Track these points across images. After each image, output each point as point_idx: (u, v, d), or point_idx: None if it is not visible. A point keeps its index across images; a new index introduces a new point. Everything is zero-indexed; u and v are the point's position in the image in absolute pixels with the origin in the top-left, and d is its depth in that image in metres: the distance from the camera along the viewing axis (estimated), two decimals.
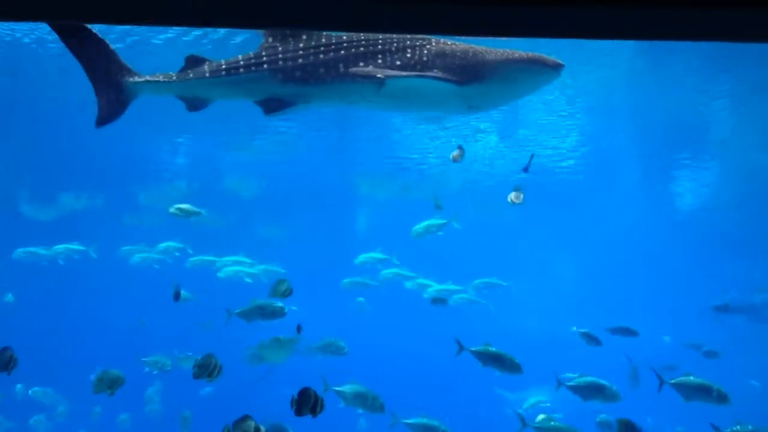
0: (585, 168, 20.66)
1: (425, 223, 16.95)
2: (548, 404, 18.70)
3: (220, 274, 19.67)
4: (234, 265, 19.65)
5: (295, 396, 7.66)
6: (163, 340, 23.89)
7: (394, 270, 19.54)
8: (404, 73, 7.09)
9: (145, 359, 15.56)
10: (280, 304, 11.35)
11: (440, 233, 16.94)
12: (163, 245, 20.03)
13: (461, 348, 11.41)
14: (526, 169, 10.52)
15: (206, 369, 8.85)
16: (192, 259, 20.04)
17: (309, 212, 24.87)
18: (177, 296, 13.20)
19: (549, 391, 20.80)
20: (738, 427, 10.63)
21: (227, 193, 22.94)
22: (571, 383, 11.41)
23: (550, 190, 22.32)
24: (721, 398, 10.44)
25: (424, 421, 12.38)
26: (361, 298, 20.73)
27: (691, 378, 10.72)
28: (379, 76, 7.02)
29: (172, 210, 15.64)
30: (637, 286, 29.39)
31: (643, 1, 2.35)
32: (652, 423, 17.99)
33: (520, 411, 17.67)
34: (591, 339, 15.11)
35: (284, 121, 17.73)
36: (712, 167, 19.93)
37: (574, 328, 15.58)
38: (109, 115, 7.58)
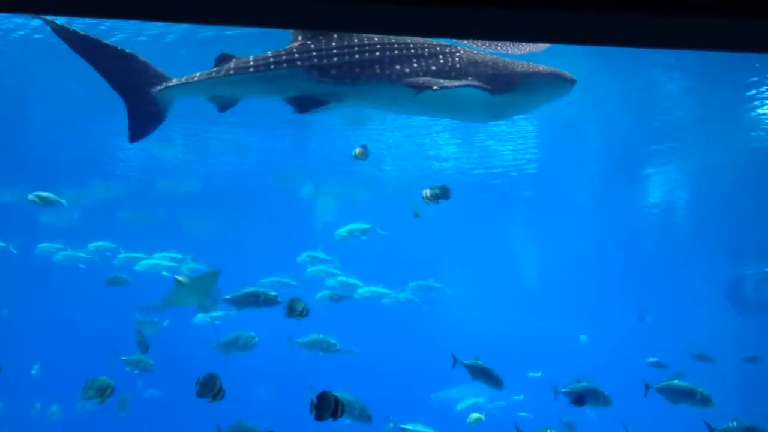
0: (539, 174, 21.05)
1: (349, 226, 17.26)
2: (522, 402, 19.04)
3: (137, 268, 19.28)
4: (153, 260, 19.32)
5: (315, 401, 7.41)
6: (92, 337, 23.38)
7: (320, 267, 19.36)
8: (455, 83, 7.17)
9: (125, 358, 14.80)
10: (273, 292, 11.12)
11: (364, 237, 17.21)
12: (93, 245, 19.51)
13: (455, 361, 11.62)
14: (437, 200, 10.49)
15: (210, 389, 8.57)
16: (120, 256, 19.57)
17: (247, 212, 24.71)
18: (145, 348, 12.87)
19: (481, 389, 21.22)
20: (734, 423, 10.97)
21: (161, 191, 22.58)
22: (565, 389, 11.62)
23: (512, 195, 22.77)
24: (705, 401, 10.75)
25: (420, 427, 12.41)
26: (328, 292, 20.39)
27: (676, 382, 11.06)
28: (434, 88, 7.05)
29: (31, 197, 15.14)
30: (578, 291, 30.07)
31: (630, 9, 2.41)
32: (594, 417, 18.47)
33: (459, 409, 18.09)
34: (661, 366, 15.57)
35: (228, 121, 17.56)
36: (670, 171, 20.43)
37: (651, 359, 15.97)
38: (142, 129, 7.40)
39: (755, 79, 13.60)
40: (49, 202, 15.13)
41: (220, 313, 18.39)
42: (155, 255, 19.24)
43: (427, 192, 10.22)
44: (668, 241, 25.99)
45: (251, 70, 7.21)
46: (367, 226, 17.21)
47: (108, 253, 19.49)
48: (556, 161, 19.91)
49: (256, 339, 13.76)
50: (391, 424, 12.91)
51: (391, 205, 17.35)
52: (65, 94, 16.47)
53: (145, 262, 19.18)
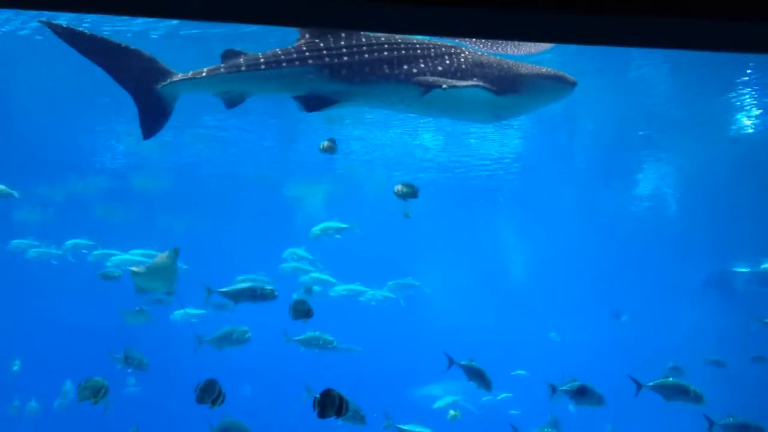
0: (524, 171, 21.22)
1: (323, 225, 17.33)
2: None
3: (109, 264, 19.12)
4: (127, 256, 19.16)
5: (318, 398, 7.34)
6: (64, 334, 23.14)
7: (294, 264, 19.35)
8: (464, 83, 7.25)
9: (119, 356, 14.25)
10: (270, 287, 11.03)
11: (338, 236, 17.29)
12: (71, 242, 19.33)
13: (451, 362, 11.90)
14: (405, 198, 10.51)
15: (210, 394, 8.53)
16: (95, 252, 19.43)
17: (227, 209, 24.63)
18: (130, 362, 12.77)
19: (459, 387, 21.37)
20: (731, 419, 11.43)
21: (138, 187, 22.45)
22: (564, 387, 11.85)
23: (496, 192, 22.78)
24: (698, 398, 11.00)
25: (417, 428, 12.47)
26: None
27: (670, 380, 11.27)
28: (443, 86, 7.13)
29: None
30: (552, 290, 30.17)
31: (636, 10, 2.44)
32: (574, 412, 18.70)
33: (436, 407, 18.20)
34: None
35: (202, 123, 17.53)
36: (659, 169, 20.63)
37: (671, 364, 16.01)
38: (152, 126, 7.28)
39: (740, 82, 13.85)
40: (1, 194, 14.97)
41: (200, 311, 18.36)
42: (131, 251, 19.14)
43: (399, 187, 10.25)
44: (656, 238, 26.12)
45: (263, 67, 7.17)
46: (343, 225, 17.29)
47: (84, 251, 19.30)
48: (541, 157, 20.03)
49: (249, 333, 13.43)
50: (388, 422, 12.89)
51: (375, 203, 17.37)
52: (41, 90, 16.33)
53: (116, 258, 19.07)
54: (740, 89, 14.16)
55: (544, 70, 7.65)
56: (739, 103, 14.83)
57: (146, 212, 23.76)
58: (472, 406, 19.13)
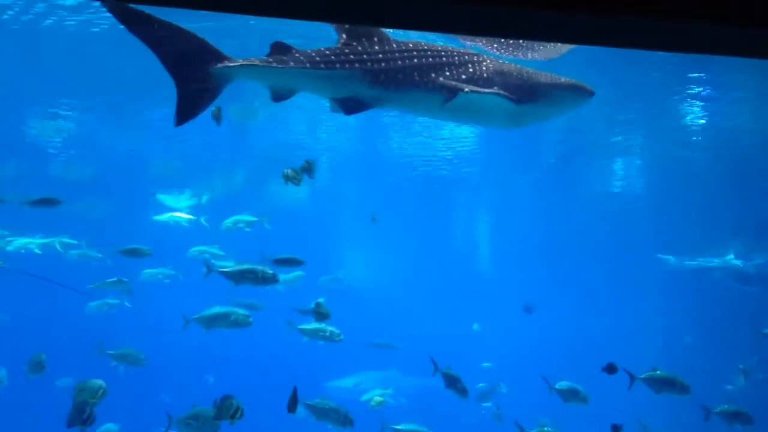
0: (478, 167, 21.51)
1: (234, 218, 17.62)
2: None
3: (9, 248, 18.82)
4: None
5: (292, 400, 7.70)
6: None
7: (202, 248, 18.90)
8: (485, 90, 7.31)
9: (111, 352, 13.80)
10: (270, 271, 10.80)
11: (248, 229, 17.63)
12: None
13: (436, 368, 11.97)
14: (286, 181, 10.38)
15: (228, 411, 8.45)
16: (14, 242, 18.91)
17: (142, 198, 24.13)
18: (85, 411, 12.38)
19: (372, 378, 21.59)
20: (725, 406, 12.41)
21: (54, 175, 21.82)
22: (555, 386, 12.54)
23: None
24: (684, 390, 11.45)
25: (413, 427, 12.51)
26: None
27: (658, 372, 11.54)
28: (466, 90, 7.18)
29: None
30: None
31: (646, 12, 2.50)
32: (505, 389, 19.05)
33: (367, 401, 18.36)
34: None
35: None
36: (626, 163, 21.03)
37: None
38: (190, 110, 6.81)
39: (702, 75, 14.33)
40: None
41: (116, 301, 18.05)
42: (51, 239, 18.59)
43: (288, 172, 9.95)
44: (619, 230, 26.41)
45: (322, 66, 7.09)
46: (253, 219, 17.54)
47: None
48: (498, 150, 20.26)
49: (251, 318, 12.53)
50: (383, 424, 12.88)
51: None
52: None
53: (17, 241, 18.74)
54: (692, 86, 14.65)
55: (563, 80, 7.75)
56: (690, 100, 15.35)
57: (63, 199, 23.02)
58: (392, 399, 19.37)
